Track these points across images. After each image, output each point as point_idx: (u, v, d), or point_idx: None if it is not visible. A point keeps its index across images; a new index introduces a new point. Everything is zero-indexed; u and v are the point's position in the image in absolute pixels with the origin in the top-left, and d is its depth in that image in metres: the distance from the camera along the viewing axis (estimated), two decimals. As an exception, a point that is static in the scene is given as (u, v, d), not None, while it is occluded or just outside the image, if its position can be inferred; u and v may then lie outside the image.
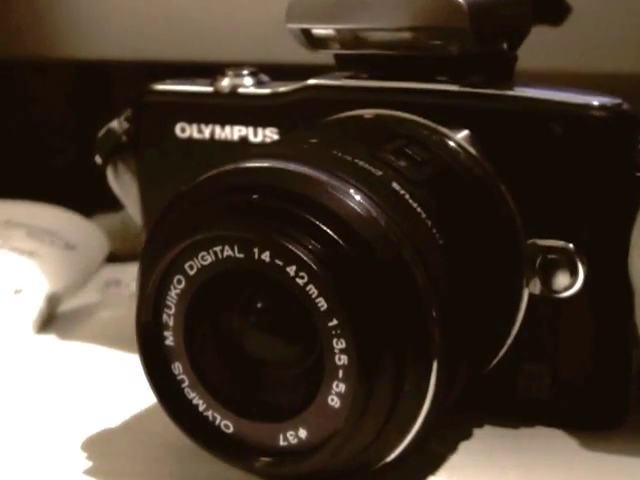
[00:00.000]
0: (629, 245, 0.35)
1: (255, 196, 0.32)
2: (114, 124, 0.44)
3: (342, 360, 0.31)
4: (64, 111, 0.70)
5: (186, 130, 0.42)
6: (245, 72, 0.41)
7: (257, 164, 0.32)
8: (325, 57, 0.40)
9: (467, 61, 0.37)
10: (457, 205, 0.35)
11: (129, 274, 0.51)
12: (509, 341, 0.37)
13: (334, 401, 0.31)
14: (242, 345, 0.33)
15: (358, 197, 0.31)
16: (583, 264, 0.36)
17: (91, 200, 0.53)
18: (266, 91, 0.40)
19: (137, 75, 0.55)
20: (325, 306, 0.30)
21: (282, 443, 0.32)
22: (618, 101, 0.36)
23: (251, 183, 0.32)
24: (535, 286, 0.36)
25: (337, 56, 0.39)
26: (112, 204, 0.47)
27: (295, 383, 0.33)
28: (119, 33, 0.67)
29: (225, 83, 0.41)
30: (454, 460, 0.36)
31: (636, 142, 0.35)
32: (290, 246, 0.30)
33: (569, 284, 0.36)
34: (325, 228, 0.31)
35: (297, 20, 0.38)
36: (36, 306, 0.47)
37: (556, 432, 0.38)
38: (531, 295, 0.37)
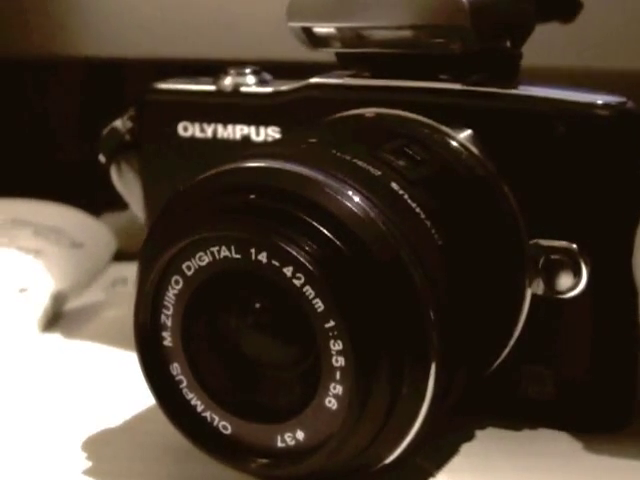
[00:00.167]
0: (633, 245, 0.35)
1: (252, 196, 0.31)
2: (118, 123, 0.44)
3: (339, 362, 0.30)
4: (75, 109, 0.70)
5: (188, 129, 0.42)
6: (247, 71, 0.41)
7: (254, 164, 0.32)
8: (329, 55, 0.39)
9: (469, 59, 0.37)
10: (458, 205, 0.35)
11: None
12: (511, 342, 0.37)
13: (331, 403, 0.31)
14: (240, 346, 0.33)
15: (356, 197, 0.31)
16: (587, 265, 0.36)
17: (100, 198, 0.53)
18: (268, 90, 0.40)
19: (149, 73, 0.55)
20: (322, 307, 0.30)
21: (280, 444, 0.32)
22: (622, 99, 0.36)
23: (248, 183, 0.32)
24: (538, 287, 0.36)
25: (338, 55, 0.39)
26: (121, 202, 0.47)
27: (293, 384, 0.32)
28: (130, 31, 0.67)
29: (227, 82, 0.41)
30: (455, 462, 0.36)
31: (641, 141, 0.35)
32: (287, 247, 0.30)
33: (572, 285, 0.36)
34: (322, 229, 0.31)
35: (298, 19, 0.38)
36: (41, 305, 0.47)
37: (559, 435, 0.37)
38: (534, 296, 0.36)
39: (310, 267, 0.30)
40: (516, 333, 0.37)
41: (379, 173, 0.33)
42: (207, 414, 0.33)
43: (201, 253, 0.32)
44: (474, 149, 0.36)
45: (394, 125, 0.36)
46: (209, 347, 0.33)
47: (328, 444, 0.31)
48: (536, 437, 0.37)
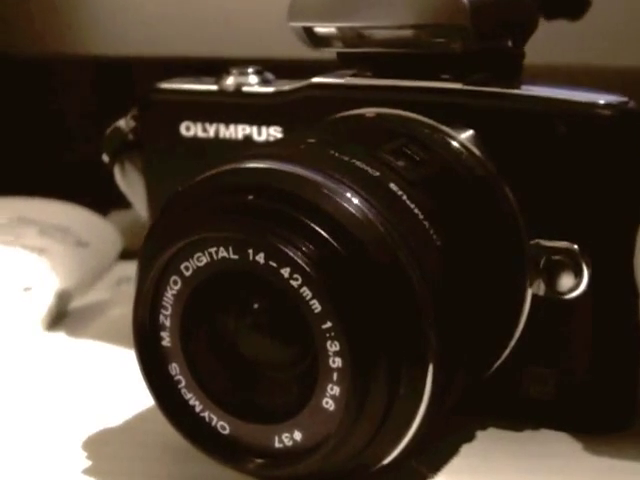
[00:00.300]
0: (634, 246, 0.35)
1: (250, 197, 0.31)
2: (121, 123, 0.44)
3: (336, 363, 0.30)
4: (83, 108, 0.70)
5: (191, 129, 0.42)
6: (250, 70, 0.41)
7: (252, 165, 0.32)
8: (333, 54, 0.39)
9: (470, 59, 0.37)
10: (457, 205, 0.35)
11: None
12: (512, 343, 0.36)
13: (328, 404, 0.31)
14: (238, 346, 0.33)
15: (354, 198, 0.31)
16: (588, 265, 0.35)
17: (108, 197, 0.53)
18: (270, 90, 0.40)
19: (158, 71, 0.55)
20: (319, 308, 0.30)
21: (277, 445, 0.32)
22: (624, 99, 0.36)
23: (246, 184, 0.32)
24: (539, 287, 0.36)
25: (339, 54, 0.39)
26: (128, 201, 0.47)
27: (290, 385, 0.32)
28: (139, 29, 0.67)
29: (230, 82, 0.41)
30: (454, 463, 0.36)
31: (642, 141, 0.35)
32: (284, 248, 0.30)
33: (573, 285, 0.36)
34: (319, 230, 0.31)
35: (299, 18, 0.38)
36: (45, 303, 0.47)
37: (561, 435, 0.37)
38: (535, 296, 0.36)
39: (307, 268, 0.30)
40: (517, 334, 0.36)
41: (378, 174, 0.32)
42: (205, 414, 0.33)
43: (199, 254, 0.32)
44: (474, 149, 0.36)
45: (394, 125, 0.36)
46: (208, 347, 0.33)
47: (325, 445, 0.31)
48: (537, 438, 0.37)
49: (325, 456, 0.31)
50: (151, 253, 0.33)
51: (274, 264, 0.31)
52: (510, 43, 0.38)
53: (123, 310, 0.49)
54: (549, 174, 0.36)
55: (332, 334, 0.30)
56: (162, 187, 0.42)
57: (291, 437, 0.32)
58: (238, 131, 0.41)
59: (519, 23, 0.38)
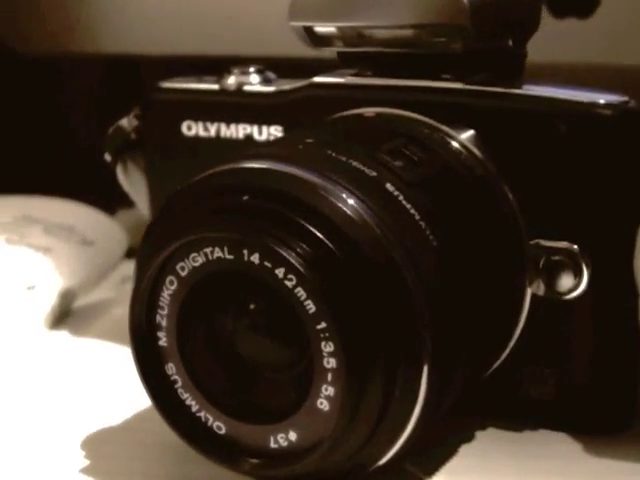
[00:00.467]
0: (634, 247, 0.35)
1: (245, 197, 0.31)
2: (123, 122, 0.44)
3: (331, 363, 0.30)
4: (91, 106, 0.70)
5: (192, 128, 0.42)
6: (251, 70, 0.41)
7: (248, 165, 0.32)
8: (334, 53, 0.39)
9: (471, 58, 0.37)
10: (456, 206, 0.35)
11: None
12: (511, 343, 0.36)
13: (323, 404, 0.31)
14: (235, 347, 0.33)
15: (349, 199, 0.31)
16: (587, 266, 0.35)
17: (115, 195, 0.54)
18: (270, 89, 0.40)
19: (166, 70, 0.55)
20: (313, 309, 0.30)
21: (273, 445, 0.32)
22: (625, 98, 0.35)
23: (241, 184, 0.32)
24: (539, 287, 0.36)
25: (340, 54, 0.39)
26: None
27: (287, 386, 0.32)
28: (148, 28, 0.67)
29: (231, 81, 0.41)
30: (453, 463, 0.36)
31: (643, 140, 0.35)
32: (278, 248, 0.30)
33: (573, 286, 0.36)
34: (314, 230, 0.31)
35: (299, 18, 0.38)
36: (48, 302, 0.47)
37: (560, 436, 0.37)
38: (535, 296, 0.36)
39: (301, 269, 0.30)
40: (516, 334, 0.36)
41: (374, 174, 0.32)
42: (202, 414, 0.33)
43: (195, 254, 0.32)
44: (474, 149, 0.36)
45: (393, 125, 0.36)
46: (204, 347, 0.33)
47: (321, 445, 0.31)
48: (537, 438, 0.37)
49: (321, 456, 0.31)
50: (148, 253, 0.33)
51: (269, 264, 0.30)
52: (511, 43, 0.38)
53: (127, 309, 0.50)
54: (549, 174, 0.36)
55: (326, 335, 0.30)
56: (164, 186, 0.42)
57: (286, 437, 0.32)
58: (239, 130, 0.41)
59: (520, 23, 0.38)
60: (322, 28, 0.38)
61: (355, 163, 0.33)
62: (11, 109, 0.68)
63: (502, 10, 0.37)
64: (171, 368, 0.33)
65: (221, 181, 0.32)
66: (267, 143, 0.39)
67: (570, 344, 0.36)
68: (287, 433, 0.32)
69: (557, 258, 0.36)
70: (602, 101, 0.35)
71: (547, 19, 0.52)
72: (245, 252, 0.31)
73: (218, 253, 0.31)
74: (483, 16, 0.36)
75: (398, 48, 0.37)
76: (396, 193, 0.32)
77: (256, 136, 0.40)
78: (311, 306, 0.30)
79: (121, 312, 0.49)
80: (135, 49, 0.67)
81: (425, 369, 0.31)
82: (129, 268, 0.54)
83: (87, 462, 0.36)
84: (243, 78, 0.41)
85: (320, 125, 0.37)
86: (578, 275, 0.35)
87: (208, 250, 0.31)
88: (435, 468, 0.35)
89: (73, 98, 0.70)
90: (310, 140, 0.34)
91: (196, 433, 0.33)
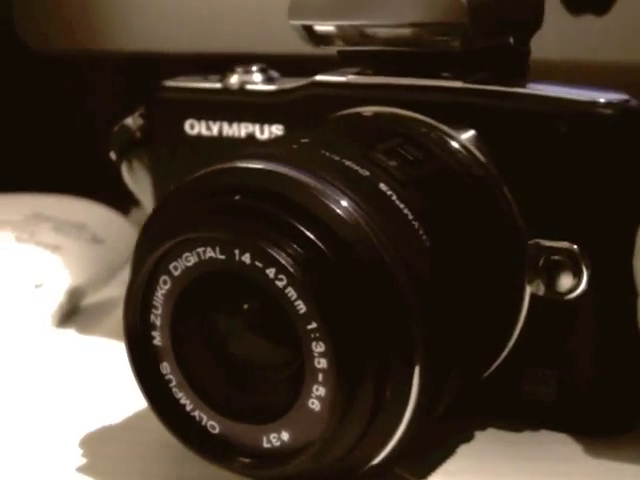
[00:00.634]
0: (634, 247, 0.34)
1: (237, 197, 0.31)
2: (128, 120, 0.44)
3: (321, 364, 0.30)
4: (114, 104, 0.70)
5: (195, 127, 0.42)
6: (254, 68, 0.41)
7: (240, 165, 0.32)
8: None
9: (471, 57, 0.37)
10: (452, 205, 0.34)
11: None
12: (510, 344, 0.36)
13: (314, 405, 0.31)
14: (229, 346, 0.33)
15: (340, 199, 0.31)
16: (587, 266, 0.35)
17: (130, 194, 0.54)
18: (272, 88, 0.40)
19: (186, 68, 0.55)
20: (304, 309, 0.30)
21: (265, 445, 0.32)
22: (625, 97, 0.35)
23: (234, 184, 0.32)
24: (538, 287, 0.36)
25: (340, 52, 0.39)
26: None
27: (279, 386, 0.32)
28: (169, 26, 0.67)
29: (234, 80, 0.41)
30: (451, 464, 0.35)
31: (643, 140, 0.35)
32: (269, 249, 0.30)
33: (573, 286, 0.35)
34: (305, 231, 0.30)
35: (299, 17, 0.38)
36: (56, 300, 0.47)
37: (561, 437, 0.37)
38: (534, 297, 0.36)
39: (291, 269, 0.30)
40: (515, 334, 0.36)
41: (367, 174, 0.32)
42: (195, 413, 0.33)
43: (187, 254, 0.32)
44: (473, 148, 0.36)
45: (391, 124, 0.36)
46: (198, 346, 0.33)
47: (312, 446, 0.31)
48: (537, 439, 0.37)
49: (313, 457, 0.31)
50: (142, 253, 0.33)
51: (260, 264, 0.30)
52: (512, 41, 0.38)
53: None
54: (549, 173, 0.35)
55: (317, 335, 0.30)
56: (169, 185, 0.42)
57: (279, 437, 0.32)
58: (241, 129, 0.41)
59: (521, 20, 0.38)
60: (322, 27, 0.38)
61: (348, 163, 0.32)
62: (29, 107, 0.69)
63: (502, 8, 0.37)
64: (166, 367, 0.33)
65: (214, 181, 0.32)
66: (263, 143, 0.39)
67: (570, 344, 0.36)
68: (279, 433, 0.32)
69: (557, 258, 0.35)
70: (602, 100, 0.35)
71: (562, 16, 0.52)
72: (236, 252, 0.31)
73: (210, 253, 0.31)
74: (482, 14, 0.36)
75: (398, 47, 0.37)
76: (389, 193, 0.32)
77: (258, 135, 0.40)
78: (301, 306, 0.30)
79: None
80: (155, 47, 0.67)
81: (417, 370, 0.30)
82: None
83: (86, 461, 0.36)
84: (246, 77, 0.41)
85: (318, 124, 0.37)
86: (578, 275, 0.35)
87: (200, 250, 0.31)
88: (434, 469, 0.35)
89: (92, 97, 0.70)
90: (305, 140, 0.34)
91: (190, 432, 0.33)
